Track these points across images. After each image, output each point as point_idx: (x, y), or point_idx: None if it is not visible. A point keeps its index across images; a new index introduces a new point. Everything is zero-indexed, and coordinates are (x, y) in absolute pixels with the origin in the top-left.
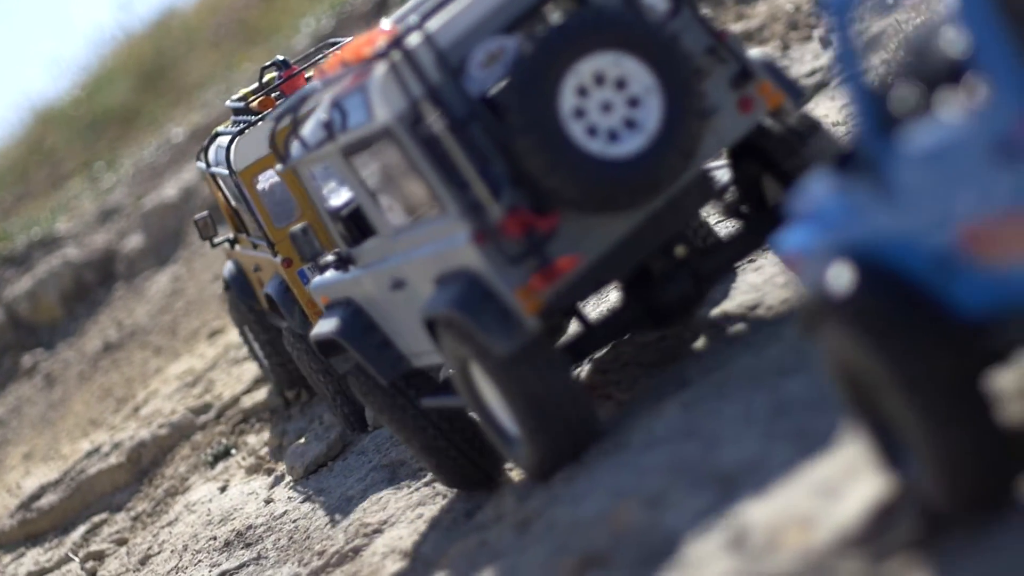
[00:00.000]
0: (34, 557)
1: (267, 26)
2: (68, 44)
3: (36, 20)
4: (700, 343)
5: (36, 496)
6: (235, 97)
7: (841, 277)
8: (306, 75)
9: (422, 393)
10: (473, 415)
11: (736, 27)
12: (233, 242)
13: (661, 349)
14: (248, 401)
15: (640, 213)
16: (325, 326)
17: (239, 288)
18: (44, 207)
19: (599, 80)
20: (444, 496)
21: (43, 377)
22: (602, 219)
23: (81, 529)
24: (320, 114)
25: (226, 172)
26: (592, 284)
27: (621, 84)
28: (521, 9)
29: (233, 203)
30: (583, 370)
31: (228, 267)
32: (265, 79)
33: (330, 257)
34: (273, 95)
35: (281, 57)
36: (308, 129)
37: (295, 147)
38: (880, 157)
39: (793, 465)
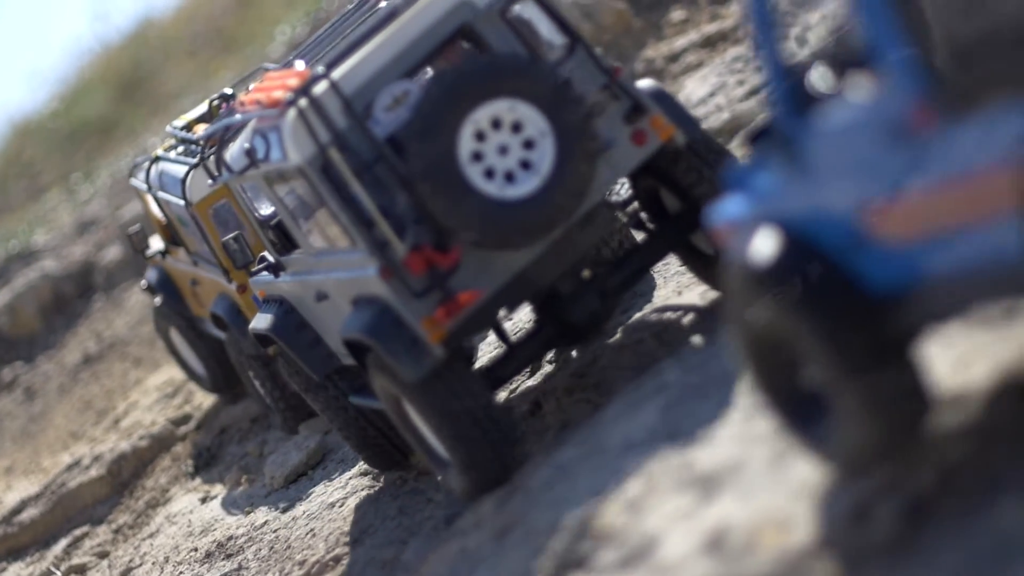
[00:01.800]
0: (16, 571)
1: (243, 34)
2: (45, 56)
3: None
4: (677, 345)
5: (17, 510)
6: (177, 124)
7: (765, 248)
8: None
9: (353, 387)
10: (412, 444)
11: (711, 28)
12: (164, 253)
13: (639, 352)
14: (227, 412)
15: (539, 246)
16: (262, 322)
17: (167, 294)
18: (22, 220)
19: (496, 124)
20: (424, 504)
21: (23, 390)
22: (502, 253)
23: (63, 543)
24: (243, 142)
25: (179, 201)
26: (494, 314)
27: (517, 127)
28: (423, 54)
29: (173, 223)
30: (559, 375)
31: (152, 274)
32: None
33: (261, 263)
34: None
35: (229, 90)
36: (232, 154)
37: (223, 170)
38: (795, 135)
39: (771, 466)
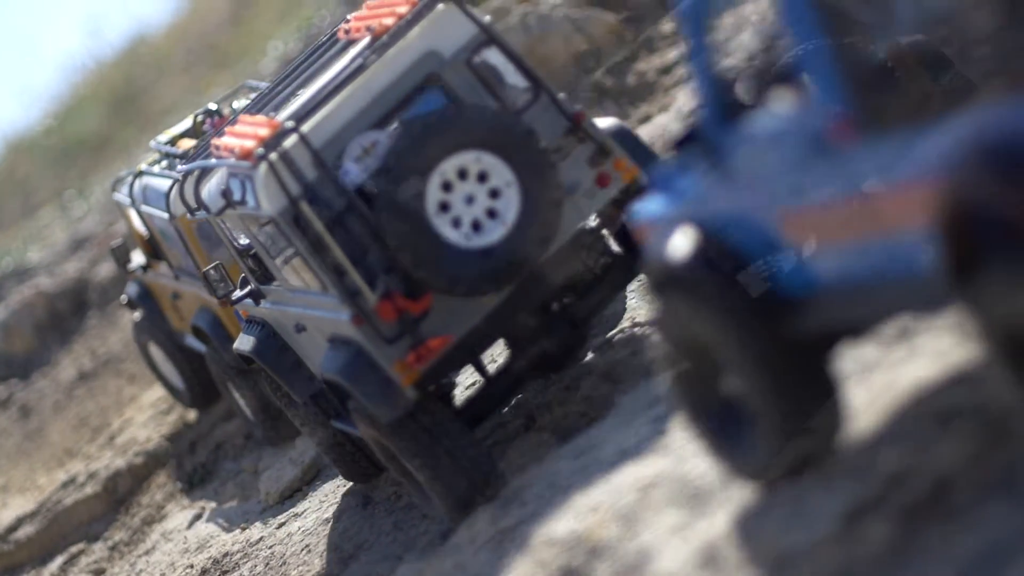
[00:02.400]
0: None
1: (236, 50)
2: (38, 73)
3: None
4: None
5: (12, 528)
6: (162, 139)
7: (682, 246)
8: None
9: (334, 409)
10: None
11: None
12: (145, 268)
13: (632, 365)
14: (222, 428)
15: (506, 291)
16: (245, 343)
17: (147, 308)
18: (16, 237)
19: (462, 175)
20: (419, 520)
21: (18, 408)
22: (470, 299)
23: (59, 560)
24: (220, 183)
25: (163, 214)
26: (465, 356)
27: (483, 177)
28: (392, 105)
29: (155, 237)
30: (552, 389)
31: (132, 288)
32: (201, 125)
33: (241, 291)
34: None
35: (213, 106)
36: (209, 193)
37: (202, 209)
38: (720, 141)
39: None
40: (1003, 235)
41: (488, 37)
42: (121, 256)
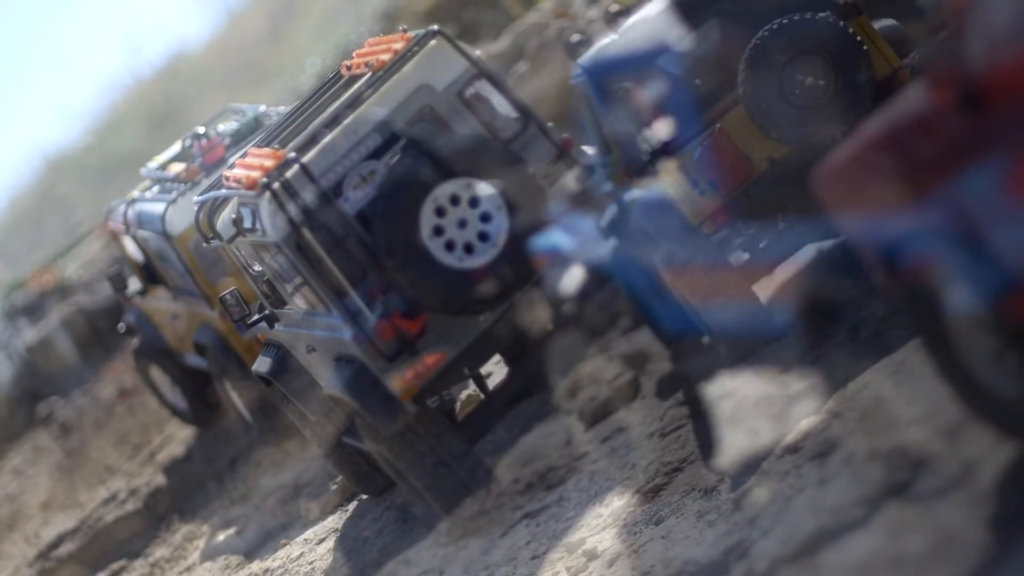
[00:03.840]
0: None
1: (274, 66)
2: (78, 91)
3: (46, 69)
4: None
5: (54, 545)
6: (152, 166)
7: (572, 281)
8: (226, 145)
9: (346, 427)
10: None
11: None
12: (142, 293)
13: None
14: (262, 445)
15: (500, 308)
16: (262, 365)
17: (146, 332)
18: (56, 254)
19: (455, 200)
20: (455, 540)
21: (58, 425)
22: (466, 317)
23: None
24: (231, 212)
25: (159, 236)
26: (460, 371)
27: (474, 203)
28: (389, 135)
29: (152, 260)
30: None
31: (130, 316)
32: (186, 143)
33: (257, 315)
34: (196, 164)
35: (201, 129)
36: (222, 222)
37: (215, 237)
38: (617, 200)
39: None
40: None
41: (479, 71)
42: (118, 283)
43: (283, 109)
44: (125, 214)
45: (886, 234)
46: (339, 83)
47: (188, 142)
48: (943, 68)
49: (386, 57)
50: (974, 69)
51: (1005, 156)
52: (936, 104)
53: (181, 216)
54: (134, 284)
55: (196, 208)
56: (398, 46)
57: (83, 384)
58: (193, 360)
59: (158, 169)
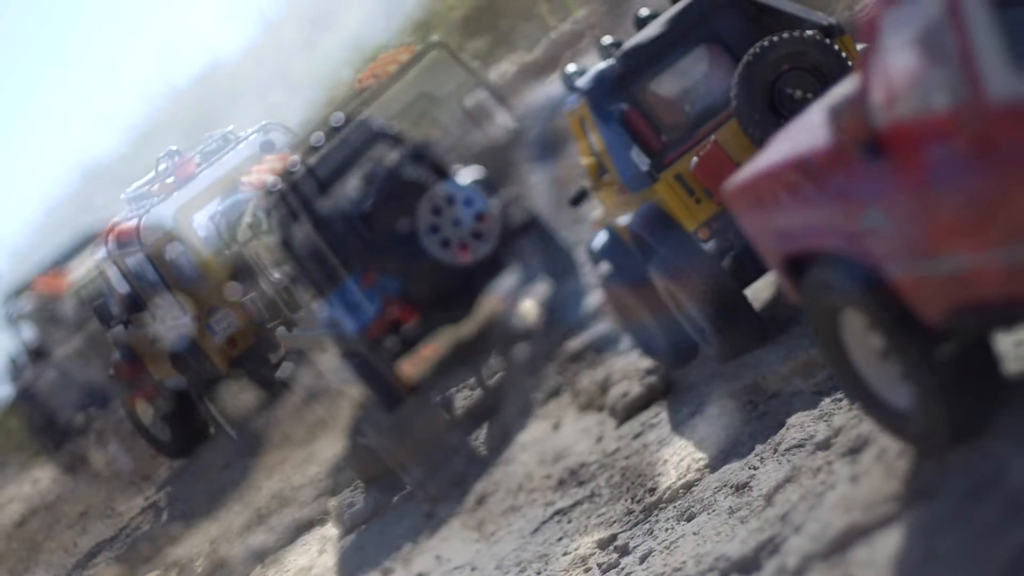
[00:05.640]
0: None
1: (309, 76)
2: (115, 102)
3: (82, 80)
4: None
5: (92, 554)
6: (131, 190)
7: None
8: (196, 162)
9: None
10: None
11: None
12: (127, 323)
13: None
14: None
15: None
16: (285, 371)
17: (132, 366)
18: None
19: (450, 200)
20: (486, 536)
21: (95, 434)
22: (461, 310)
23: None
24: (248, 216)
25: (134, 248)
26: (458, 362)
27: (469, 203)
28: (386, 142)
29: (132, 283)
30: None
31: (116, 354)
32: (160, 167)
33: (278, 322)
34: (168, 180)
35: (174, 147)
36: (241, 230)
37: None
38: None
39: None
40: None
41: (477, 81)
42: (104, 314)
43: (250, 130)
44: (107, 243)
45: (784, 249)
46: (352, 94)
47: (162, 162)
48: (849, 113)
49: (392, 68)
50: (877, 118)
51: (896, 204)
52: (839, 146)
53: (155, 224)
54: (119, 316)
55: (216, 219)
56: (403, 58)
57: (121, 394)
58: (173, 383)
59: (135, 191)
